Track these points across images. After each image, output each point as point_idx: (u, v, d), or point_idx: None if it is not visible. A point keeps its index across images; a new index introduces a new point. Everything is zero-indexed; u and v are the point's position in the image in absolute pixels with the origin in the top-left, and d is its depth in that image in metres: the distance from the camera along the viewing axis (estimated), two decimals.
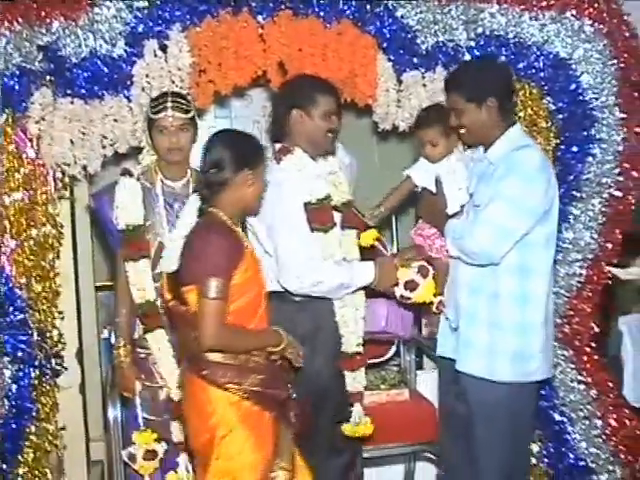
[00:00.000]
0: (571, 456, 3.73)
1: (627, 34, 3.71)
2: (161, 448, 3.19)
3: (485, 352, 3.11)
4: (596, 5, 3.66)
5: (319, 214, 3.13)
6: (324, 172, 3.26)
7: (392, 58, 3.63)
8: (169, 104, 3.14)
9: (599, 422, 3.82)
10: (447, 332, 3.33)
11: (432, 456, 3.94)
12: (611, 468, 3.81)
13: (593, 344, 3.87)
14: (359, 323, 3.24)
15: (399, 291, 3.13)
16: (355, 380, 3.28)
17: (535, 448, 3.72)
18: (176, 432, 3.20)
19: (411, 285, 3.11)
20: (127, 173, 3.24)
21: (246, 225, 3.16)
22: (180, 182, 3.27)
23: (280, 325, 2.93)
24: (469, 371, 3.15)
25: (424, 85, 3.67)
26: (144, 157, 3.35)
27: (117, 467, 3.42)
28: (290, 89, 3.25)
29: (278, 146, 3.23)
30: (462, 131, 3.18)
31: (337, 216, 3.29)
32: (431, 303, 3.21)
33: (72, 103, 3.37)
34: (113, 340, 3.63)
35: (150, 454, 3.17)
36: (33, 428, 3.34)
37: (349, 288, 3.15)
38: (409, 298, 3.13)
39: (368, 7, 3.56)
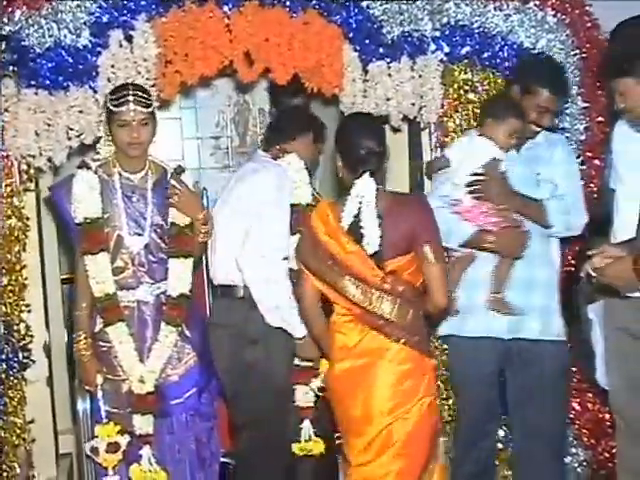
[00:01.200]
0: None
1: (589, 24, 3.79)
2: (124, 440, 3.18)
3: (550, 315, 3.32)
4: None
5: (302, 218, 3.22)
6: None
7: (358, 48, 3.64)
8: (130, 98, 3.10)
9: None
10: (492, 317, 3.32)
11: None
12: (574, 451, 3.87)
13: None
14: None
15: None
16: (306, 394, 3.34)
17: (501, 433, 3.76)
18: (139, 424, 3.20)
19: None
20: (85, 166, 3.21)
21: None
22: (139, 175, 3.24)
23: (231, 322, 3.12)
24: (548, 336, 3.30)
25: (390, 75, 3.68)
26: (102, 148, 3.32)
27: (86, 460, 3.42)
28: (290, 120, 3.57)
29: (278, 146, 3.40)
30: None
31: None
32: None
33: (36, 94, 3.35)
34: None
35: (113, 447, 3.16)
36: (1, 422, 3.34)
37: (283, 315, 3.17)
38: None
39: None
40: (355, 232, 2.86)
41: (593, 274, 2.85)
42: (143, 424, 3.20)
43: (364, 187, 2.86)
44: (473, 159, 3.28)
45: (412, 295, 2.89)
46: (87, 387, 3.27)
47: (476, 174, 3.24)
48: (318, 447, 3.31)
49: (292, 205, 3.27)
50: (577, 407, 3.90)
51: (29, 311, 3.45)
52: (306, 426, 3.34)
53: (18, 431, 3.40)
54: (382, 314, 2.84)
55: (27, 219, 3.44)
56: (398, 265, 2.88)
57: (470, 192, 3.25)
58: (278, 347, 3.23)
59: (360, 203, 2.85)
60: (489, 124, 3.28)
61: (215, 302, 3.52)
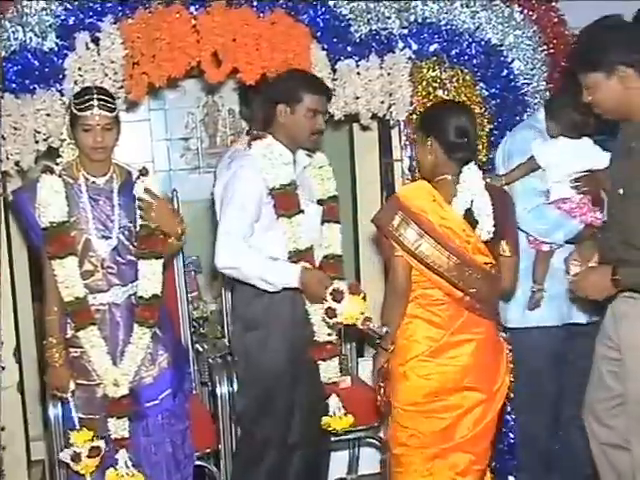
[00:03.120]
0: (511, 436, 3.80)
1: (555, 20, 3.86)
2: (102, 444, 3.18)
3: None
4: None
5: (283, 199, 3.21)
6: (302, 162, 3.37)
7: (326, 47, 3.67)
8: (95, 102, 3.06)
9: None
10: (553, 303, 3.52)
11: (375, 441, 4.01)
12: None
13: None
14: None
15: (327, 303, 3.02)
16: (328, 370, 3.35)
17: None
18: (114, 428, 3.18)
19: (330, 313, 3.00)
20: (48, 170, 3.17)
21: None
22: (104, 178, 3.21)
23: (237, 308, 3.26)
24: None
25: (358, 73, 3.72)
26: (65, 152, 3.28)
27: (58, 466, 3.40)
28: (279, 82, 3.34)
29: (252, 132, 3.36)
30: None
31: (319, 209, 3.42)
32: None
33: (2, 97, 3.35)
34: None
35: (94, 450, 3.14)
36: None
37: (270, 285, 3.17)
38: (335, 311, 2.99)
39: None
40: (470, 219, 3.00)
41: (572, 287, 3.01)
42: (118, 428, 3.17)
43: (475, 176, 3.03)
44: (578, 159, 3.40)
45: (498, 277, 3.09)
46: (59, 394, 3.23)
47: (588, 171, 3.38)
48: (343, 423, 3.32)
49: (272, 189, 3.21)
50: None
51: None
52: (333, 401, 3.35)
53: None
54: (471, 291, 2.99)
55: None
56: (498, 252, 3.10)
57: (580, 190, 3.41)
58: (278, 334, 3.27)
59: (474, 192, 3.01)
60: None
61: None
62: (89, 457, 3.11)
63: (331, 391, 3.38)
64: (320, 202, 3.45)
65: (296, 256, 3.24)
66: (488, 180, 3.19)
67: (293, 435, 3.36)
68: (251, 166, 3.22)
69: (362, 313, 2.97)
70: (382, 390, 3.12)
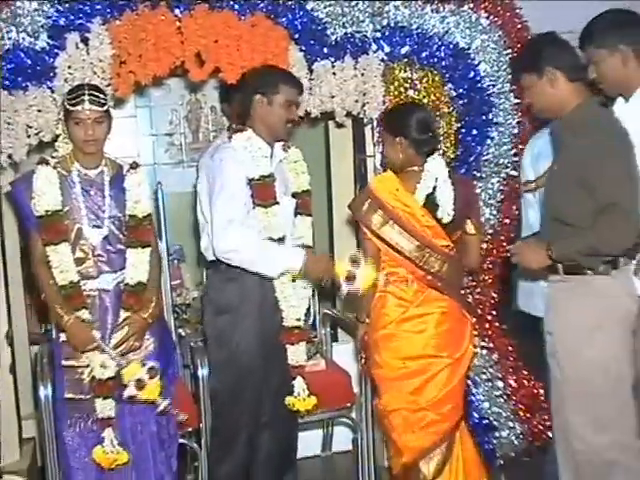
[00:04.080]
0: (475, 415, 3.99)
1: (519, 26, 4.02)
2: (157, 364, 3.26)
3: None
4: None
5: (261, 190, 3.32)
6: (279, 156, 3.47)
7: (303, 48, 3.79)
8: (86, 97, 3.18)
9: (500, 383, 4.14)
10: None
11: (348, 421, 4.16)
12: (511, 425, 4.12)
13: (494, 312, 4.18)
14: (304, 299, 3.43)
15: (345, 287, 3.23)
16: (295, 354, 3.43)
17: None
18: (100, 408, 3.26)
19: (350, 278, 3.22)
20: (44, 162, 3.27)
21: None
22: (96, 170, 3.32)
23: (210, 292, 3.41)
24: None
25: (334, 74, 3.85)
26: (60, 146, 3.37)
27: (49, 443, 3.51)
28: (255, 75, 3.43)
29: (233, 126, 3.45)
30: None
31: (292, 202, 3.52)
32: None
33: None
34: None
35: (152, 371, 3.22)
36: None
37: (270, 268, 3.30)
38: (356, 290, 3.23)
39: (280, 0, 3.72)
40: (430, 205, 3.29)
41: (512, 259, 3.15)
42: (104, 408, 3.27)
43: (438, 165, 3.32)
44: None
45: (459, 257, 3.39)
46: (90, 347, 3.24)
47: None
48: (307, 404, 3.41)
49: (251, 180, 3.32)
50: (513, 384, 4.14)
51: None
52: (298, 382, 3.43)
53: None
54: (431, 270, 3.29)
55: None
56: (457, 236, 3.37)
57: None
58: (247, 320, 3.38)
59: (436, 179, 3.28)
60: None
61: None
62: (151, 378, 3.21)
63: (297, 374, 3.46)
64: (294, 195, 3.55)
65: None
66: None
67: (264, 415, 3.47)
68: (232, 157, 3.32)
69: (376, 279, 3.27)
70: (363, 360, 3.56)
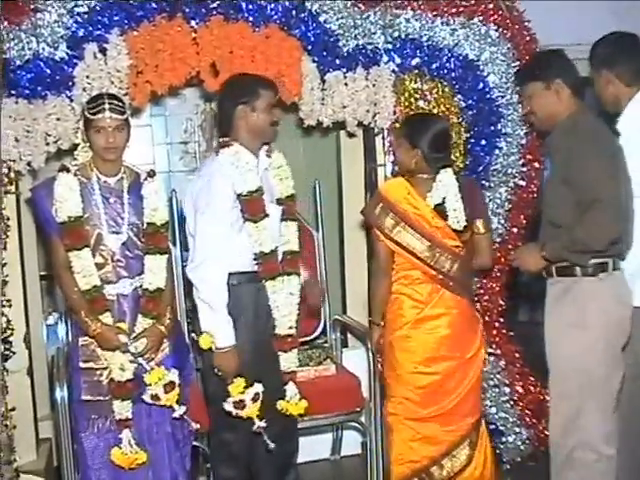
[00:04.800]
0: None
1: (528, 38, 4.09)
2: (260, 388, 3.34)
3: None
4: (500, 12, 4.02)
5: (250, 205, 3.32)
6: (264, 164, 3.46)
7: (316, 59, 3.87)
8: (106, 106, 3.24)
9: (507, 389, 4.22)
10: None
11: (358, 425, 4.19)
12: (518, 430, 4.20)
13: (501, 319, 4.24)
14: (293, 308, 3.44)
15: (229, 407, 3.31)
16: (288, 360, 3.47)
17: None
18: (118, 409, 3.32)
19: (238, 404, 3.31)
20: (65, 169, 3.32)
21: None
22: (115, 178, 3.38)
23: None
24: None
25: (346, 84, 3.92)
26: (79, 154, 3.43)
27: (65, 444, 3.56)
28: (234, 87, 3.42)
29: (220, 140, 3.43)
30: None
31: (279, 209, 3.50)
32: None
33: (16, 103, 3.53)
34: (60, 326, 3.85)
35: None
36: None
37: (206, 319, 3.31)
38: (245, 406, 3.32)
39: (294, 12, 3.79)
40: (441, 211, 3.41)
41: (513, 264, 3.34)
42: (122, 409, 3.33)
43: (449, 178, 3.43)
44: None
45: (469, 257, 3.48)
46: (120, 351, 3.29)
47: None
48: (298, 408, 3.44)
49: (239, 195, 3.31)
50: (520, 390, 4.20)
51: (10, 306, 3.60)
52: (290, 387, 3.47)
53: (0, 418, 3.51)
54: (443, 270, 3.40)
55: (8, 219, 3.60)
56: (467, 237, 3.46)
57: None
58: (245, 329, 3.37)
59: (447, 191, 3.41)
60: None
61: None
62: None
63: (289, 379, 3.49)
64: (279, 201, 3.51)
65: (262, 258, 3.35)
66: None
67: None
68: (220, 174, 3.30)
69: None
70: (380, 365, 3.65)
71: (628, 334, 3.21)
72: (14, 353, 3.66)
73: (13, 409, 3.63)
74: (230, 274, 3.34)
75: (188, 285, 3.55)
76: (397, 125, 3.97)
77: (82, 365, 3.39)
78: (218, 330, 3.30)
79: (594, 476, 3.19)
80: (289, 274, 3.45)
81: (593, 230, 3.01)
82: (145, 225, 3.37)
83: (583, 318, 3.14)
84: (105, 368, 3.36)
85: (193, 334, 4.18)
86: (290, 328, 3.44)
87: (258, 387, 3.34)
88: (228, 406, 3.31)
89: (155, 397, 3.30)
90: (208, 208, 3.28)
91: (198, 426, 3.44)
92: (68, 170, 3.32)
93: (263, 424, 3.33)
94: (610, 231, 3.03)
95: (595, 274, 3.13)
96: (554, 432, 3.29)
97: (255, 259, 3.36)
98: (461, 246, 3.44)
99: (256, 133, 3.38)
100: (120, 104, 3.31)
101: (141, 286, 3.37)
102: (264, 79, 3.47)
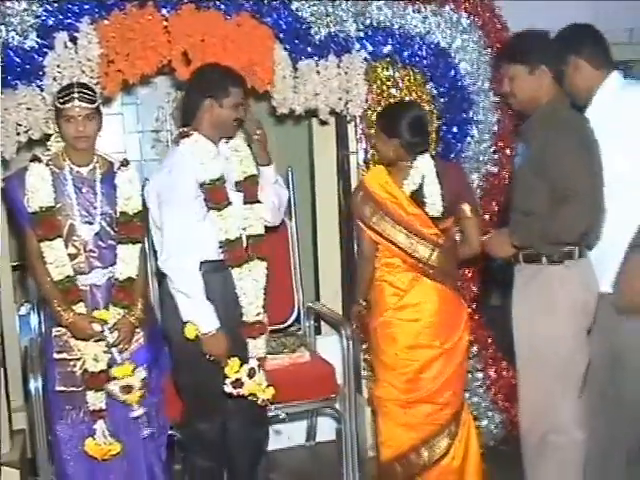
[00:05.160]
0: None
1: (499, 26, 4.12)
2: (138, 378, 3.32)
3: None
4: (471, 0, 4.03)
5: (213, 193, 3.31)
6: (224, 153, 3.43)
7: (288, 47, 3.86)
8: (76, 95, 3.23)
9: (480, 374, 4.27)
10: None
11: (332, 412, 4.19)
12: (490, 414, 4.26)
13: (474, 305, 4.28)
14: (259, 294, 3.43)
15: (228, 388, 3.31)
16: (256, 347, 3.45)
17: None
18: (92, 400, 3.32)
19: (237, 383, 3.32)
20: (36, 159, 3.31)
21: None
22: (87, 168, 3.36)
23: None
24: None
25: (318, 72, 3.93)
26: (52, 144, 3.41)
27: (40, 435, 3.56)
28: (204, 78, 3.40)
29: (180, 130, 3.41)
30: None
31: (240, 195, 3.45)
32: None
33: None
34: (32, 316, 3.85)
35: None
36: None
37: (186, 308, 3.27)
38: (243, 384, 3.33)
39: (265, 1, 3.78)
40: (417, 198, 3.45)
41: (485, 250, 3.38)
42: (96, 400, 3.33)
43: (426, 163, 3.47)
44: None
45: (451, 245, 3.52)
46: (94, 339, 3.28)
47: None
48: (266, 394, 3.40)
49: (202, 184, 3.29)
50: (493, 374, 4.25)
51: None
52: (258, 374, 3.42)
53: None
54: (421, 258, 3.44)
55: None
56: (448, 223, 3.50)
57: None
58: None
59: (423, 176, 3.44)
60: None
61: None
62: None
63: (258, 365, 3.45)
64: (239, 184, 3.45)
65: (227, 246, 3.33)
66: None
67: (229, 405, 3.46)
68: (181, 164, 3.30)
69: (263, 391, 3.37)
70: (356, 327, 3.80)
71: (592, 319, 3.26)
72: None
73: None
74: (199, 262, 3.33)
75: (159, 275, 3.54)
76: (369, 114, 4.02)
77: (56, 356, 3.39)
78: (200, 317, 3.29)
79: (567, 460, 3.24)
80: (254, 259, 3.43)
81: (566, 223, 3.05)
82: (118, 214, 3.37)
83: (549, 304, 3.19)
84: (79, 359, 3.36)
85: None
86: (257, 315, 3.43)
87: (252, 362, 3.38)
88: (227, 388, 3.32)
89: (237, 383, 3.32)
90: (172, 199, 3.27)
91: (142, 412, 3.39)
92: (40, 160, 3.31)
93: (142, 411, 3.34)
94: (582, 224, 3.07)
95: (561, 261, 3.17)
96: (524, 418, 3.34)
97: (220, 247, 3.35)
98: (439, 234, 3.46)
99: (218, 128, 3.36)
100: (90, 93, 3.29)
101: (114, 276, 3.37)
102: (235, 74, 3.42)
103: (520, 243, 3.20)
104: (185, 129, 3.39)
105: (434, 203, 3.45)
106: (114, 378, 3.30)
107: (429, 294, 3.49)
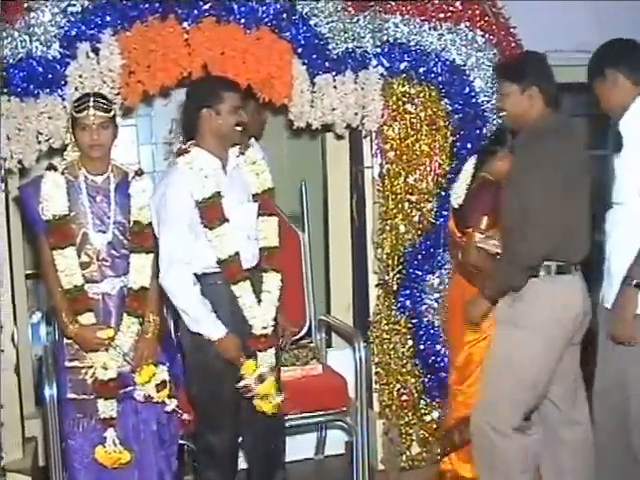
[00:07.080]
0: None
1: (513, 44, 4.14)
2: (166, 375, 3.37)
3: None
4: (487, 18, 4.07)
5: (207, 212, 3.29)
6: (233, 166, 3.43)
7: (306, 62, 3.89)
8: (91, 104, 3.27)
9: None
10: None
11: (342, 424, 4.21)
12: None
13: None
14: (271, 305, 3.43)
15: (242, 383, 3.33)
16: (264, 360, 3.44)
17: None
18: (102, 408, 3.33)
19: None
20: (52, 168, 3.34)
21: None
22: (102, 177, 3.39)
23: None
24: None
25: (335, 87, 3.95)
26: (68, 153, 3.45)
27: (54, 443, 3.55)
28: (197, 91, 3.43)
29: (179, 147, 3.44)
30: None
31: (255, 205, 3.48)
32: None
33: (9, 101, 3.53)
34: (42, 325, 3.86)
35: (161, 385, 3.34)
36: None
37: (193, 324, 3.32)
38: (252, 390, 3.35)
39: (285, 15, 3.82)
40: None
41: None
42: (106, 408, 3.34)
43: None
44: None
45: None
46: (100, 349, 3.31)
47: None
48: (272, 407, 3.39)
49: (197, 202, 3.28)
50: None
51: None
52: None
53: None
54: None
55: None
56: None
57: None
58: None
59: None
60: None
61: None
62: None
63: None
64: (255, 197, 3.48)
65: (223, 264, 3.31)
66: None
67: (242, 416, 3.48)
68: (178, 182, 3.28)
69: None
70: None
71: (571, 335, 3.32)
72: (2, 351, 3.66)
73: (1, 406, 3.63)
74: (205, 274, 3.35)
75: None
76: (385, 128, 4.05)
77: (67, 364, 3.41)
78: (206, 328, 3.31)
79: (498, 459, 3.36)
80: (267, 271, 3.45)
81: (521, 247, 3.14)
82: (131, 224, 3.38)
83: (520, 317, 3.26)
84: (90, 367, 3.37)
85: (179, 333, 4.23)
86: (264, 328, 3.41)
87: (262, 369, 3.36)
88: (246, 382, 3.32)
89: (148, 397, 3.32)
90: (166, 218, 3.28)
91: (191, 417, 3.44)
92: (55, 169, 3.34)
93: (175, 402, 3.37)
94: (538, 247, 3.14)
95: (536, 275, 3.23)
96: (475, 414, 3.43)
97: (218, 263, 3.34)
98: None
99: (221, 137, 3.36)
100: (105, 102, 3.32)
101: (126, 285, 3.39)
102: (227, 81, 3.45)
103: (489, 296, 3.31)
104: (184, 146, 3.40)
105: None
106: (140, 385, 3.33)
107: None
